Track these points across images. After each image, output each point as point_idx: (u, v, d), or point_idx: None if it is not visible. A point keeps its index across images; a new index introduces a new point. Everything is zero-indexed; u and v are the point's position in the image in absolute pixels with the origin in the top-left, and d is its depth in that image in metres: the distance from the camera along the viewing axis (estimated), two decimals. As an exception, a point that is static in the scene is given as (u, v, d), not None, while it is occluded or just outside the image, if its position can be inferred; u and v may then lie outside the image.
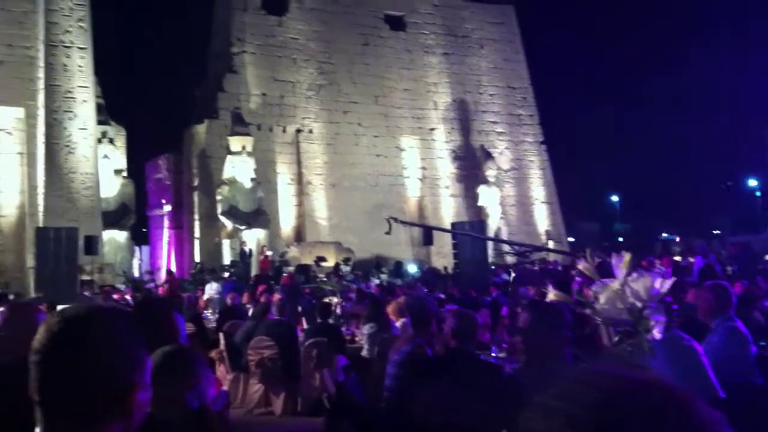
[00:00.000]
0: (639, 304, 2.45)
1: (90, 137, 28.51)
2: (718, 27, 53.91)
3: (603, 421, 0.96)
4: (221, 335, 12.14)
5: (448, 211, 36.50)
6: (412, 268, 30.48)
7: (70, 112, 28.11)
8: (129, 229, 30.82)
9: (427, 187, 36.94)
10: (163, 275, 29.22)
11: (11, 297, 18.23)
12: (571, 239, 42.65)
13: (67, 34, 28.41)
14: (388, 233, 18.70)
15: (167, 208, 34.11)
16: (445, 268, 29.66)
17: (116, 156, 30.71)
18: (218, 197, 30.78)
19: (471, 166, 37.46)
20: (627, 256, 2.52)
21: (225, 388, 9.48)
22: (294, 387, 10.34)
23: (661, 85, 54.96)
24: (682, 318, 6.46)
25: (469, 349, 5.60)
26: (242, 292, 17.26)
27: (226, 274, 25.94)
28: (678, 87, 53.74)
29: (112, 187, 30.07)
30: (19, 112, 28.11)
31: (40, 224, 26.25)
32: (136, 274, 30.59)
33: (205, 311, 17.12)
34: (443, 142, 37.58)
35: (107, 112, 30.68)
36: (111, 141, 30.45)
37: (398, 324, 9.68)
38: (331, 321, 11.48)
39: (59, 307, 10.77)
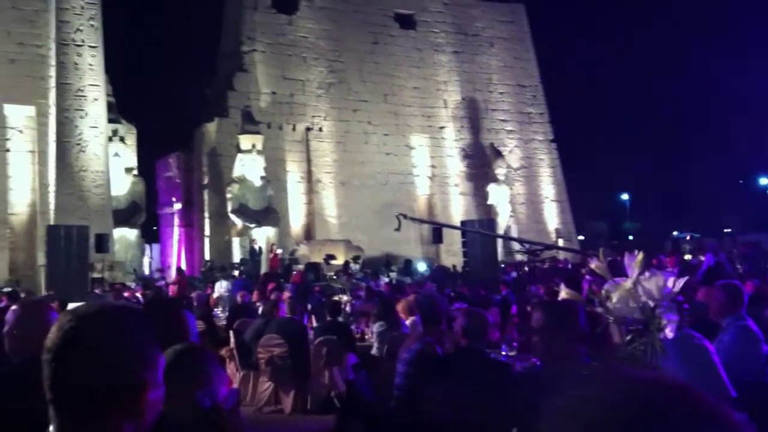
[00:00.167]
0: (651, 303, 2.44)
1: (101, 135, 28.62)
2: (730, 26, 53.65)
3: (624, 425, 0.95)
4: (231, 333, 12.18)
5: (458, 209, 36.48)
6: (421, 266, 30.46)
7: (81, 110, 28.22)
8: (139, 227, 30.93)
9: (436, 185, 36.92)
10: (173, 273, 29.31)
11: (22, 295, 18.32)
12: (580, 237, 42.56)
13: (78, 32, 28.51)
14: (397, 230, 18.69)
15: (177, 206, 34.20)
16: (454, 266, 29.64)
17: (127, 154, 30.81)
18: (228, 195, 30.85)
19: (481, 164, 37.42)
20: (639, 255, 2.51)
21: (235, 386, 9.49)
22: (304, 385, 10.35)
23: (673, 84, 54.74)
24: (693, 317, 6.44)
25: (479, 347, 5.60)
26: (252, 290, 17.28)
27: (236, 272, 25.99)
28: (690, 85, 53.53)
29: (122, 185, 30.17)
30: (31, 110, 28.26)
31: (51, 222, 26.37)
32: (147, 272, 30.69)
33: (215, 309, 17.15)
34: (453, 140, 37.55)
35: (118, 111, 30.78)
36: (122, 139, 30.55)
37: (408, 322, 9.67)
38: (340, 319, 11.48)
39: (70, 305, 10.82)
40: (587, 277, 14.27)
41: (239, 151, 30.89)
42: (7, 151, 28.22)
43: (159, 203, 35.50)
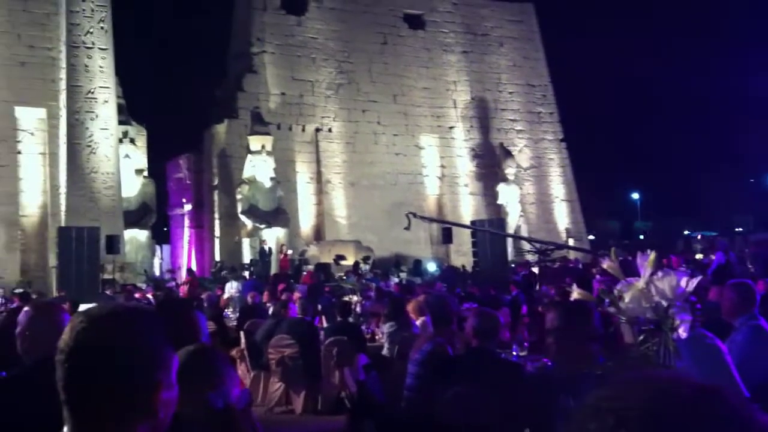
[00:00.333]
0: (664, 303, 2.43)
1: (111, 137, 28.72)
2: (740, 26, 53.38)
3: (654, 422, 0.95)
4: (242, 334, 12.20)
5: (468, 209, 36.44)
6: (431, 267, 30.43)
7: (92, 112, 28.32)
8: (150, 228, 31.00)
9: (446, 185, 36.89)
10: (183, 274, 29.38)
11: (34, 296, 18.41)
12: (591, 237, 42.45)
13: (88, 35, 28.62)
14: (407, 228, 18.62)
15: (188, 207, 34.29)
16: (463, 266, 29.60)
17: (137, 156, 30.90)
18: (238, 196, 30.90)
19: (490, 164, 37.36)
20: (652, 255, 2.49)
21: (246, 386, 9.51)
22: (314, 386, 10.36)
23: (683, 83, 54.51)
24: (705, 317, 6.41)
25: (490, 348, 5.59)
26: (262, 290, 17.30)
27: (246, 273, 26.03)
28: (701, 84, 53.29)
29: (133, 186, 30.26)
30: (42, 112, 28.39)
31: (62, 224, 26.48)
32: (157, 273, 30.76)
33: (225, 310, 17.19)
34: (462, 140, 37.51)
35: (128, 113, 30.88)
36: (132, 141, 30.65)
37: (418, 322, 9.67)
38: (351, 319, 11.48)
39: (81, 306, 10.86)
40: (598, 276, 14.24)
41: (249, 152, 30.93)
42: (19, 153, 28.37)
43: (169, 204, 35.60)
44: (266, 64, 33.81)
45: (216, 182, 32.56)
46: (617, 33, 52.88)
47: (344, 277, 20.35)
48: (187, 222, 34.54)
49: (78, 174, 27.79)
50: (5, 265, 26.71)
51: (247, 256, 30.00)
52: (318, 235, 33.82)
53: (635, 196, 60.26)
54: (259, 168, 30.68)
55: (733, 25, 53.67)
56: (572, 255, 28.50)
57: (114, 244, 25.18)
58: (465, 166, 37.35)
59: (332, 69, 34.89)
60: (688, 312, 2.46)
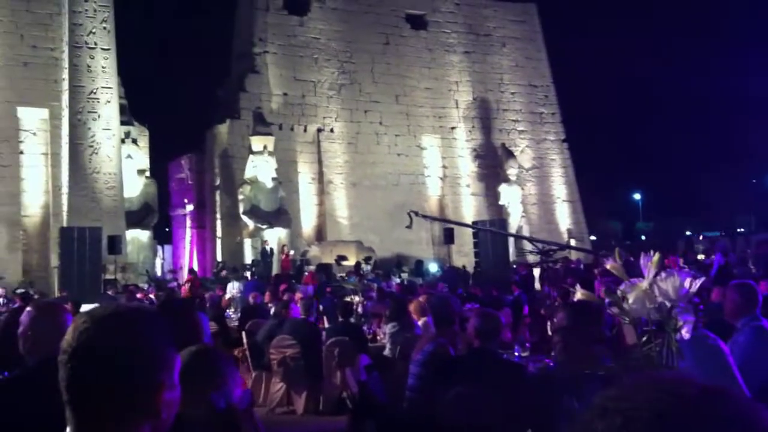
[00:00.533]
0: (668, 304, 2.43)
1: (113, 138, 28.73)
2: (740, 26, 53.36)
3: (661, 422, 0.95)
4: (243, 334, 12.21)
5: (469, 209, 36.43)
6: (433, 267, 30.44)
7: (94, 112, 28.34)
8: (152, 228, 31.01)
9: (448, 185, 36.89)
10: (185, 274, 29.40)
11: (36, 296, 18.43)
12: (593, 238, 42.42)
13: (91, 35, 28.63)
14: (409, 227, 18.61)
15: (189, 207, 34.30)
16: (464, 266, 29.58)
17: (139, 156, 30.92)
18: (240, 197, 30.91)
19: (492, 164, 37.35)
20: (655, 256, 2.49)
21: (247, 387, 9.51)
22: (316, 386, 10.36)
23: (684, 83, 54.51)
24: (707, 318, 6.41)
25: (492, 348, 5.59)
26: (264, 291, 17.31)
27: (248, 274, 26.03)
28: (703, 84, 53.27)
29: (135, 187, 30.27)
30: (44, 113, 28.44)
31: (64, 224, 26.50)
32: (159, 273, 30.78)
33: (227, 310, 17.20)
34: (464, 140, 37.50)
35: (130, 113, 30.90)
36: (134, 141, 30.66)
37: (420, 322, 9.67)
38: (352, 320, 11.48)
39: (83, 307, 10.86)
40: (599, 277, 14.21)
41: (251, 152, 30.94)
42: (21, 153, 28.42)
43: (171, 205, 35.61)
44: (268, 64, 33.83)
45: (218, 182, 32.57)
46: (619, 33, 52.89)
47: (346, 278, 20.35)
48: (188, 222, 34.55)
49: (80, 174, 27.81)
50: (7, 266, 26.73)
51: (248, 257, 30.00)
52: (319, 235, 33.82)
53: (637, 196, 60.25)
54: (260, 168, 30.68)
55: (734, 25, 53.64)
56: (574, 256, 28.50)
57: (116, 244, 25.19)
58: (467, 167, 37.34)
59: (334, 69, 34.90)
60: (691, 313, 2.46)
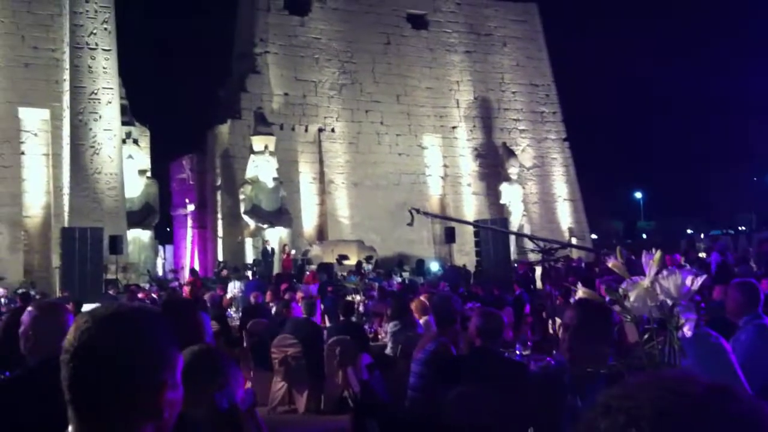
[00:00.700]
0: (669, 302, 2.42)
1: (114, 138, 28.74)
2: (740, 25, 53.32)
3: (665, 420, 0.96)
4: (244, 333, 12.21)
5: (470, 209, 36.42)
6: (434, 266, 30.44)
7: (95, 113, 28.36)
8: (153, 228, 31.02)
9: (449, 185, 36.88)
10: (186, 274, 29.41)
11: (37, 296, 18.45)
12: (594, 237, 42.41)
13: (92, 36, 28.65)
14: (410, 224, 18.63)
15: (191, 207, 34.31)
16: (464, 265, 29.57)
17: (140, 156, 30.93)
18: (241, 196, 30.91)
19: (493, 163, 37.33)
20: (657, 254, 2.49)
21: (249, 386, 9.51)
22: (317, 385, 10.36)
23: (685, 82, 54.47)
24: (709, 316, 6.40)
25: (494, 347, 5.58)
26: (265, 290, 17.32)
27: (249, 273, 26.04)
28: (704, 83, 53.23)
29: (136, 187, 30.29)
30: (45, 113, 28.45)
31: (66, 224, 26.51)
32: (160, 273, 30.80)
33: (228, 310, 17.21)
34: (465, 140, 37.49)
35: (131, 113, 30.91)
36: (135, 141, 30.68)
37: (422, 321, 9.67)
38: (353, 319, 11.48)
39: (85, 307, 10.86)
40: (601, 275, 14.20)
41: (252, 152, 30.94)
42: (22, 154, 28.44)
43: (172, 205, 35.62)
44: (269, 64, 33.83)
45: (219, 182, 32.57)
46: (620, 33, 52.87)
47: (347, 277, 20.35)
48: (190, 222, 34.56)
49: (81, 175, 27.82)
50: (9, 266, 26.75)
51: (249, 256, 30.01)
52: (321, 235, 33.83)
53: (638, 195, 60.20)
54: (262, 168, 30.69)
55: (734, 25, 53.61)
56: (575, 254, 28.50)
57: (117, 244, 25.21)
58: (468, 166, 37.32)
59: (335, 69, 34.90)
60: (693, 311, 2.46)
